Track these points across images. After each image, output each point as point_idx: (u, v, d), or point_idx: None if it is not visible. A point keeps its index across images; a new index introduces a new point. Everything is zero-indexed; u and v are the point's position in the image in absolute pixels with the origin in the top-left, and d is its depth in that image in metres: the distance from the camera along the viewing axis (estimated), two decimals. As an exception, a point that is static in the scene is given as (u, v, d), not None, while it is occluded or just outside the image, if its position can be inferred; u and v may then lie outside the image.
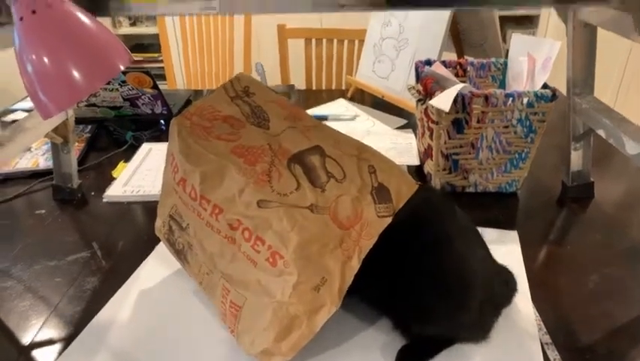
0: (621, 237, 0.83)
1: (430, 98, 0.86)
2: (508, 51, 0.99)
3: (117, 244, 0.83)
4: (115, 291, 0.71)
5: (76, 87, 0.48)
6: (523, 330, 0.64)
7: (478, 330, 0.61)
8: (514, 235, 0.82)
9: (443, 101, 0.81)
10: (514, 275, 0.67)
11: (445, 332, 0.60)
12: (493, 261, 0.65)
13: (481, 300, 0.59)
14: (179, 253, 0.67)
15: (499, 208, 0.91)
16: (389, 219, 0.55)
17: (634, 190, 0.98)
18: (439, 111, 0.85)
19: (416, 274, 0.57)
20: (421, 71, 0.98)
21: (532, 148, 0.89)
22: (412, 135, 1.18)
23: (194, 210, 0.60)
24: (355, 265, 0.53)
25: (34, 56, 0.49)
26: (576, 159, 0.90)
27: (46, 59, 0.49)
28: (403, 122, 1.27)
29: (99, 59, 0.50)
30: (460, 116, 0.85)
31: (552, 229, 0.86)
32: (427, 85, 0.90)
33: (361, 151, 0.62)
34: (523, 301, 0.68)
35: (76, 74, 0.48)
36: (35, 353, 0.62)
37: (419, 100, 0.93)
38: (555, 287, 0.72)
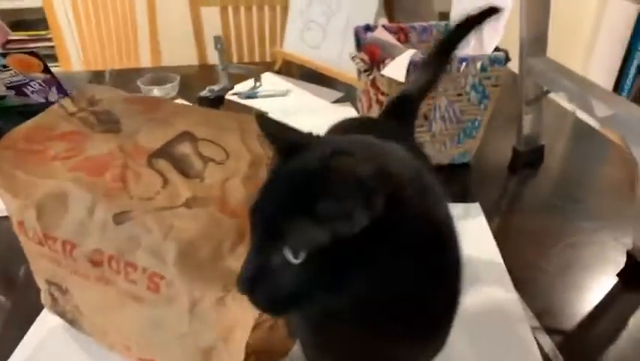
0: (572, 197, 0.81)
1: (378, 68, 0.78)
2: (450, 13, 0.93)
3: (18, 271, 0.67)
4: (20, 338, 0.56)
5: None
6: (512, 317, 0.59)
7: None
8: (476, 207, 0.78)
9: (396, 70, 0.72)
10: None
11: None
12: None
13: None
14: (74, 324, 0.53)
15: (454, 181, 0.86)
16: None
17: (580, 149, 0.97)
18: (389, 82, 0.76)
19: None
20: (363, 38, 0.88)
21: (485, 115, 0.84)
22: (352, 109, 1.09)
23: (52, 259, 0.47)
24: None
25: None
26: (527, 123, 0.86)
27: None
28: (339, 94, 1.17)
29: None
30: (413, 85, 0.78)
31: (508, 196, 0.84)
32: (373, 53, 0.81)
33: (243, 122, 0.52)
34: (501, 280, 0.63)
35: None
36: None
37: (365, 70, 0.84)
38: (525, 258, 0.68)
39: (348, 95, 1.16)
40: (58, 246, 0.45)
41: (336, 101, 1.15)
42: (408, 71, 0.72)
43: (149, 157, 0.47)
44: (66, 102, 0.54)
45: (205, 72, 1.43)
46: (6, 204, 0.48)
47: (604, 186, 0.87)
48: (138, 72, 1.34)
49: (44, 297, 0.54)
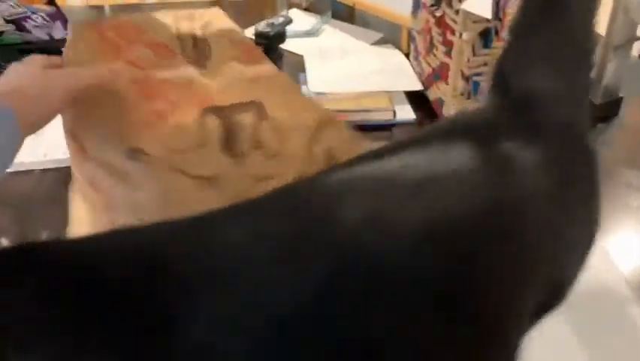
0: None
1: (448, 1, 0.66)
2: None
3: (40, 237, 0.58)
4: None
5: None
6: (619, 297, 0.51)
7: None
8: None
9: (480, 4, 0.61)
10: None
11: None
12: None
13: None
14: None
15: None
16: None
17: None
18: (465, 19, 0.65)
19: None
20: (425, -35, 0.76)
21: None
22: (398, 52, 0.97)
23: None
24: None
25: None
26: (610, 72, 0.76)
27: None
28: (378, 35, 1.05)
29: None
30: (491, 24, 0.66)
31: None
32: (443, -16, 0.69)
33: (322, 123, 0.44)
34: (599, 254, 0.55)
35: None
36: None
37: (432, 5, 0.72)
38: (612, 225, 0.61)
39: (389, 35, 1.03)
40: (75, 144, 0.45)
41: (375, 43, 1.02)
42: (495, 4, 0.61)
43: (205, 110, 0.41)
44: (182, 14, 0.51)
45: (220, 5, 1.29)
46: None
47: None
48: (143, 8, 1.20)
49: None
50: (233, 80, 0.45)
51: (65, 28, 0.91)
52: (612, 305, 0.51)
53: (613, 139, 0.78)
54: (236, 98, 0.42)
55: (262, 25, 0.85)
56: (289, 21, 0.92)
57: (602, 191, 0.65)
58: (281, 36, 0.73)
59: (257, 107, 0.42)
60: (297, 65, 0.90)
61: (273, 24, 0.87)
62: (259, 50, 0.52)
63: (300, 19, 1.12)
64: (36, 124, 0.39)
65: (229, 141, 0.40)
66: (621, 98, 0.79)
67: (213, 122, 0.40)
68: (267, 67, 0.49)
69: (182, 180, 0.38)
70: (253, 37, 0.87)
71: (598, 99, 0.78)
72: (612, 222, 0.61)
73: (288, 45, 1.00)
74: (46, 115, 0.40)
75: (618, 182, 0.68)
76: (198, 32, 0.50)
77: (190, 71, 0.45)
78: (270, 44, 0.73)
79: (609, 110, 0.80)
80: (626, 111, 0.80)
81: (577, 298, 0.51)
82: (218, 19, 0.52)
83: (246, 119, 0.41)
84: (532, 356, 0.45)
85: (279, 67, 0.68)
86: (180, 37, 0.48)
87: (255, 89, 0.44)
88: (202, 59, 0.47)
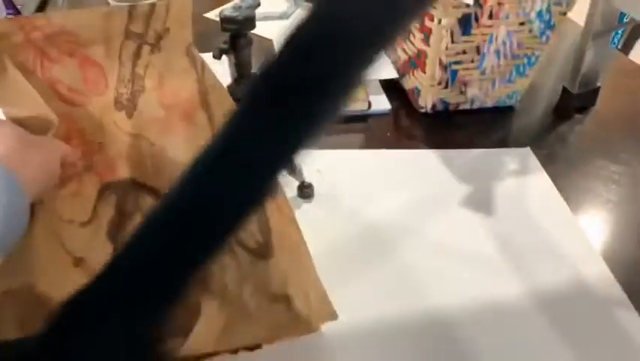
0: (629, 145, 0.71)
1: (426, -14, 0.62)
2: None
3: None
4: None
5: None
6: (609, 299, 0.49)
7: None
8: (527, 152, 0.68)
9: (462, -12, 0.57)
10: None
11: None
12: None
13: None
14: None
15: (500, 126, 0.75)
16: None
17: (627, 90, 0.86)
18: (445, 5, 0.61)
19: None
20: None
21: (544, 50, 0.71)
22: (372, 37, 0.93)
23: None
24: None
25: None
26: (588, 61, 0.74)
27: None
28: (351, 19, 1.00)
29: None
30: (471, 10, 0.63)
31: (562, 146, 0.72)
32: (421, -34, 0.65)
33: None
34: (586, 251, 0.53)
35: None
36: None
37: (410, -12, 0.67)
38: (592, 217, 0.60)
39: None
40: None
41: (348, 28, 0.98)
42: (477, -10, 0.57)
43: (104, 186, 0.39)
44: (136, 11, 0.40)
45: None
46: None
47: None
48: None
49: None
50: (144, 146, 0.40)
51: (8, 7, 0.83)
52: (600, 305, 0.49)
53: (588, 130, 0.77)
54: (140, 174, 0.39)
55: (229, 9, 0.78)
56: (257, 4, 0.85)
57: (578, 183, 0.64)
58: (250, 21, 0.66)
59: (154, 193, 0.40)
60: (267, 51, 0.85)
61: (240, 7, 0.80)
62: (206, 92, 0.43)
63: (268, 0, 1.06)
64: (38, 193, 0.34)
65: (115, 227, 0.39)
66: (599, 87, 0.78)
67: (108, 202, 0.39)
68: (194, 128, 0.42)
69: (56, 246, 0.37)
70: (219, 21, 0.80)
71: (575, 89, 0.76)
72: (590, 215, 0.60)
73: (256, 28, 0.94)
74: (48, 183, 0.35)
75: (594, 174, 0.66)
76: (145, 61, 0.41)
77: (110, 122, 0.40)
78: (239, 30, 0.66)
79: (586, 100, 0.78)
80: (602, 101, 0.79)
81: (565, 298, 0.49)
82: (177, 23, 0.43)
83: (142, 203, 0.39)
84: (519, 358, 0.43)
85: (248, 55, 0.62)
86: (121, 59, 0.40)
87: (163, 162, 0.40)
88: (131, 103, 0.40)
